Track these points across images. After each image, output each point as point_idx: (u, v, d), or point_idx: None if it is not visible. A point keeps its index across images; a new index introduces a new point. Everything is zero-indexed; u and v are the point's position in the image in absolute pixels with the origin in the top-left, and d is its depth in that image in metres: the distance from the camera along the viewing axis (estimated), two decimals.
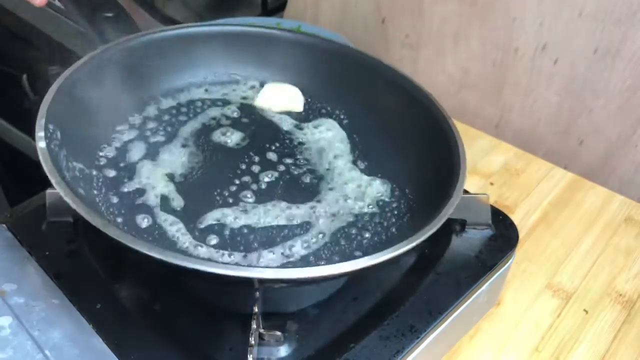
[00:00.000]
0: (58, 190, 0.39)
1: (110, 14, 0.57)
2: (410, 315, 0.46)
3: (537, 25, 0.74)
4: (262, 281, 0.37)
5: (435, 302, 0.47)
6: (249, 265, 0.44)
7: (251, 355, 0.38)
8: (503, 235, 0.52)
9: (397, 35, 0.89)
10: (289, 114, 0.61)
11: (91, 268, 0.48)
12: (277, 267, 0.45)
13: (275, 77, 0.64)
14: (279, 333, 0.40)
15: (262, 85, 0.63)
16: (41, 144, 0.42)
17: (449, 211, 0.43)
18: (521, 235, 0.56)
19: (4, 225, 0.51)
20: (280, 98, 0.62)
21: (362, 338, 0.44)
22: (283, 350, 0.43)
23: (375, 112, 0.60)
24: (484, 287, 0.49)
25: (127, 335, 0.44)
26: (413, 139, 0.56)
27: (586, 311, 0.58)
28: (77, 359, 0.42)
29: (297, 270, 0.37)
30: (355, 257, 0.45)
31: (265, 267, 0.44)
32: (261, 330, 0.40)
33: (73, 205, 0.38)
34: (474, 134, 0.80)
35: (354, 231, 0.49)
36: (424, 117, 0.54)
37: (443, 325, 0.46)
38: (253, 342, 0.39)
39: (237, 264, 0.44)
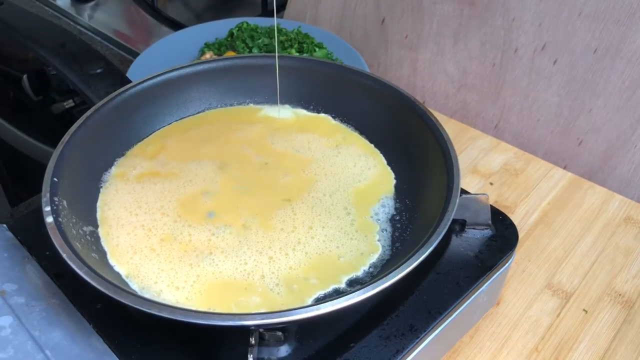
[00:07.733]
0: (71, 265, 0.40)
1: (99, 70, 0.57)
2: (410, 314, 0.46)
3: (537, 25, 0.74)
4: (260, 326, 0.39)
5: (435, 301, 0.47)
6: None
7: (251, 355, 0.38)
8: (503, 235, 0.52)
9: (396, 35, 0.89)
10: None
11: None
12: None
13: (266, 99, 0.64)
14: (279, 333, 0.40)
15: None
16: (49, 219, 0.42)
17: (438, 237, 0.43)
18: (521, 235, 0.56)
19: (4, 225, 0.51)
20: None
21: (362, 338, 0.44)
22: (283, 350, 0.43)
23: (367, 124, 0.61)
24: (483, 287, 0.49)
25: (127, 335, 0.44)
26: (407, 146, 0.56)
27: (586, 311, 0.58)
28: (77, 359, 0.42)
29: (299, 312, 0.38)
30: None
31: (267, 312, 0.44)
32: (261, 330, 0.40)
33: (87, 278, 0.39)
34: (473, 134, 0.80)
35: None
36: (412, 123, 0.55)
37: (443, 325, 0.46)
38: (253, 341, 0.39)
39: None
